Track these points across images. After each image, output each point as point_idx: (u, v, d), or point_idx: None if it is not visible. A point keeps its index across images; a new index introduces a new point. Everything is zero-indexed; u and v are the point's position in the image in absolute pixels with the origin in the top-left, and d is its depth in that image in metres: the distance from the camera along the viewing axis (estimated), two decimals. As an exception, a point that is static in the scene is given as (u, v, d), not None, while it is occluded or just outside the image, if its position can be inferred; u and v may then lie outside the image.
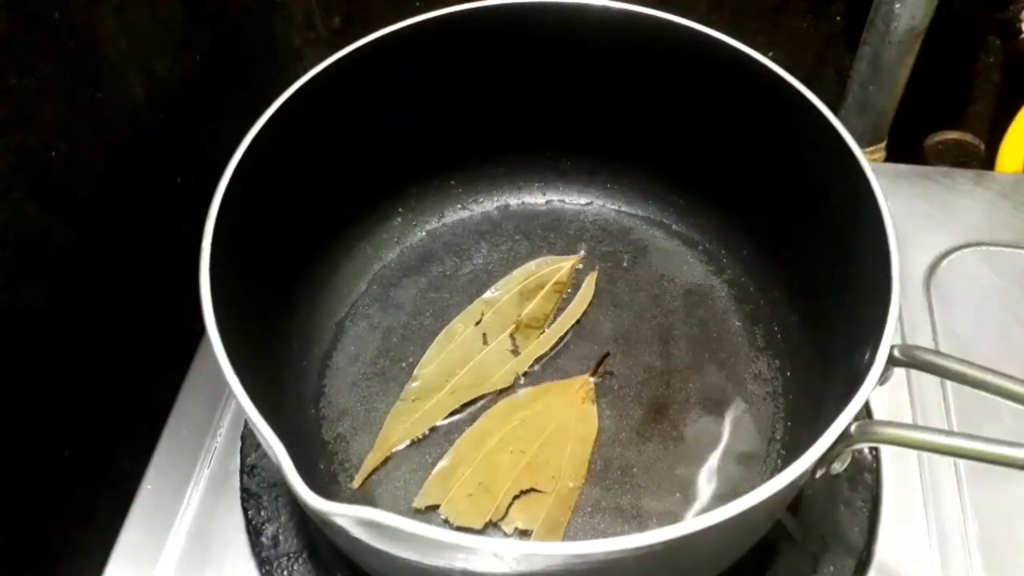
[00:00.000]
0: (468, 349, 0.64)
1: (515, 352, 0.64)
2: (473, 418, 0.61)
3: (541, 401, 0.61)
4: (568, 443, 0.58)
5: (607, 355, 0.63)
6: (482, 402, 0.61)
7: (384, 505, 0.57)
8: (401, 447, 0.59)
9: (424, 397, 0.61)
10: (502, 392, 0.62)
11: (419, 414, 0.61)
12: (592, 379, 0.62)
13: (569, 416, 0.60)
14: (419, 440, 0.60)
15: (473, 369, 0.63)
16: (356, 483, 0.58)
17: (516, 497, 0.56)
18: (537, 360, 0.64)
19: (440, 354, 0.64)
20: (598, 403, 0.62)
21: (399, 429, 0.60)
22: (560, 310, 0.66)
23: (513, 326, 0.65)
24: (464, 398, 0.61)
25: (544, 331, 0.65)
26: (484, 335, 0.65)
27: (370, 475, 0.58)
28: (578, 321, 0.66)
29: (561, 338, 0.65)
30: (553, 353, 0.64)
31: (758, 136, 0.62)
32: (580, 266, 0.70)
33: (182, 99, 0.74)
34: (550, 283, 0.67)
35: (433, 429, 0.60)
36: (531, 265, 0.69)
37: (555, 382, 0.62)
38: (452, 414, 0.61)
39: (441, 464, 0.57)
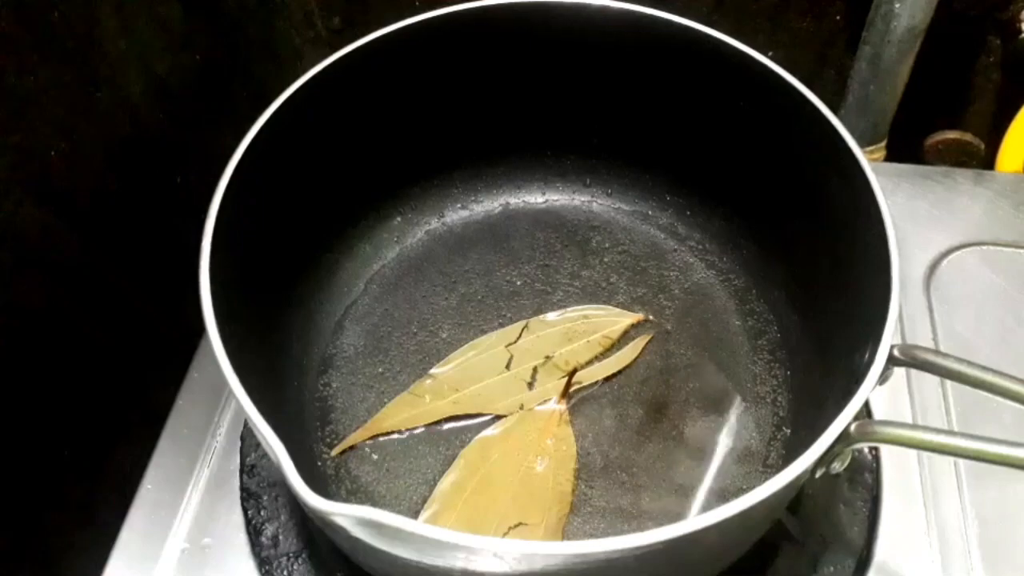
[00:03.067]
0: (489, 367, 0.63)
1: (530, 386, 0.62)
2: (468, 430, 0.60)
3: (516, 433, 0.60)
4: (550, 471, 0.58)
5: (574, 371, 0.62)
6: (481, 419, 0.61)
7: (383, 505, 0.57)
8: (400, 453, 0.60)
9: (431, 395, 0.61)
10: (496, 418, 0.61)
11: (418, 410, 0.61)
12: (563, 404, 0.61)
13: (546, 443, 0.59)
14: (417, 444, 0.60)
15: (485, 388, 0.62)
16: (335, 452, 0.58)
17: (505, 534, 0.55)
18: (544, 401, 0.62)
19: (462, 361, 0.63)
20: (599, 403, 0.62)
21: (394, 417, 0.60)
22: (596, 360, 0.64)
23: (541, 360, 0.63)
24: (462, 410, 0.61)
25: (567, 376, 0.62)
26: (510, 359, 0.63)
27: (349, 449, 0.59)
28: (607, 379, 0.63)
29: (579, 388, 0.62)
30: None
31: (758, 136, 0.62)
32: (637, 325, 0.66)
33: (182, 99, 0.74)
34: (599, 334, 0.65)
35: (433, 436, 0.60)
36: (589, 308, 0.67)
37: (527, 411, 0.61)
38: (448, 420, 0.61)
39: (424, 514, 0.56)
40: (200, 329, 0.44)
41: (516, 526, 0.55)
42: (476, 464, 0.58)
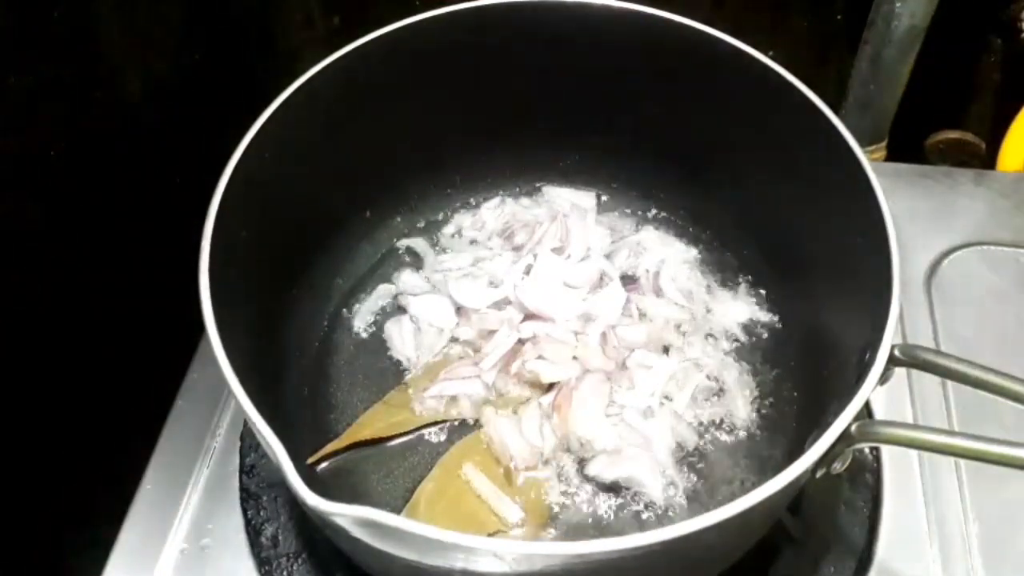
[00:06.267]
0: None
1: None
2: (468, 430, 0.60)
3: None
4: (530, 474, 0.58)
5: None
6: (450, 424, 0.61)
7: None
8: (400, 454, 0.60)
9: (403, 406, 0.61)
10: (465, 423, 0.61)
11: (395, 420, 0.61)
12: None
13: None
14: (417, 443, 0.60)
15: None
16: (309, 460, 0.58)
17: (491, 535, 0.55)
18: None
19: (434, 372, 0.63)
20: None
21: (370, 427, 0.60)
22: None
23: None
24: (434, 418, 0.61)
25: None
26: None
27: (326, 457, 0.58)
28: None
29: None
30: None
31: (760, 135, 0.62)
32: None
33: (182, 99, 0.74)
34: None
35: (434, 436, 0.60)
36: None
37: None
38: (422, 428, 0.61)
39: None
40: (200, 329, 0.44)
41: (494, 534, 0.55)
42: (453, 472, 0.58)
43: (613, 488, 0.57)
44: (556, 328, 0.63)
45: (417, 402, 0.61)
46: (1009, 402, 0.44)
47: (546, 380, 0.60)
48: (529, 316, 0.64)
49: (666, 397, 0.61)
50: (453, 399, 0.61)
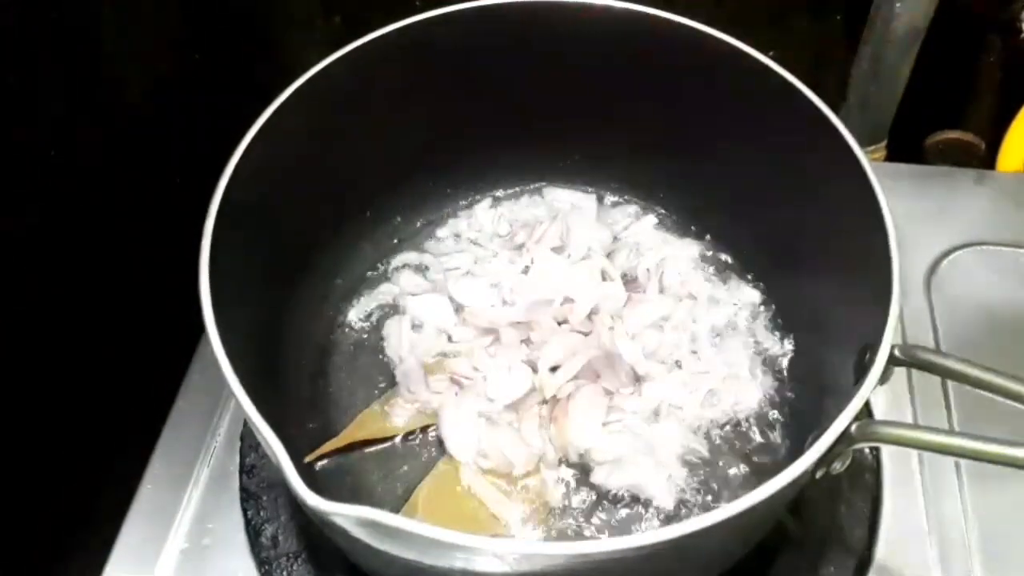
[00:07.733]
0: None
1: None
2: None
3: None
4: (528, 478, 0.58)
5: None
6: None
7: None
8: (400, 455, 0.60)
9: (399, 407, 0.61)
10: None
11: (388, 422, 0.61)
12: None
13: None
14: (415, 444, 0.60)
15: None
16: (307, 459, 0.58)
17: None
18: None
19: (432, 372, 0.63)
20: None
21: (369, 427, 0.60)
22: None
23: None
24: (426, 422, 0.61)
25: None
26: None
27: (322, 456, 0.58)
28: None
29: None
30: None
31: (760, 135, 0.62)
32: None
33: (182, 99, 0.74)
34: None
35: (434, 437, 0.60)
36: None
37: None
38: (422, 428, 0.61)
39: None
40: (200, 329, 0.44)
41: (492, 537, 0.55)
42: (453, 472, 0.58)
43: (617, 493, 0.57)
44: (557, 328, 0.63)
45: (416, 403, 0.61)
46: (1009, 402, 0.44)
47: (546, 378, 0.60)
48: (529, 316, 0.64)
49: (667, 399, 0.61)
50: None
